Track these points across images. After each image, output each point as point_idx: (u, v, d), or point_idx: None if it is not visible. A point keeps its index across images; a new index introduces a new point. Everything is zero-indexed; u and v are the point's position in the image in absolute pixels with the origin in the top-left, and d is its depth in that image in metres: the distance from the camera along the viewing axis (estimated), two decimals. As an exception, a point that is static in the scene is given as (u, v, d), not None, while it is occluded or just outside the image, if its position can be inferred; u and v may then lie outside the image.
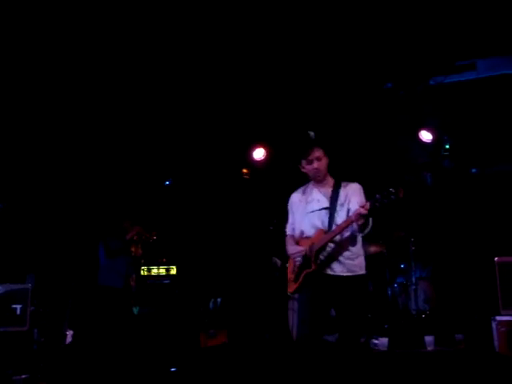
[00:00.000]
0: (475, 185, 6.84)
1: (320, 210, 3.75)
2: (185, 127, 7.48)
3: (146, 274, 7.30)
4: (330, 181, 3.86)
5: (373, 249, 6.50)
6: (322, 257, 3.63)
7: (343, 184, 3.80)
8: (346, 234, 3.63)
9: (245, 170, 7.94)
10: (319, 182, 3.83)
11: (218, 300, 7.48)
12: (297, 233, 3.89)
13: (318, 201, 3.78)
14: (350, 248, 3.66)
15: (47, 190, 7.56)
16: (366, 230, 3.59)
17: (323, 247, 3.63)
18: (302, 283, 3.67)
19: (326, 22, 5.68)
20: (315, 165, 3.77)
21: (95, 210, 7.59)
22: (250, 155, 7.74)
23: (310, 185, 3.90)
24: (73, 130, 7.21)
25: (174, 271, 7.41)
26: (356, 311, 3.59)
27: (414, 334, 5.51)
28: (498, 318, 5.02)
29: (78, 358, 6.00)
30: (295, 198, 3.97)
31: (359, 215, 3.38)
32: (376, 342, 5.47)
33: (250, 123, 7.42)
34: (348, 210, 3.65)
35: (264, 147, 7.70)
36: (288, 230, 4.02)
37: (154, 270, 7.33)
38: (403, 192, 3.21)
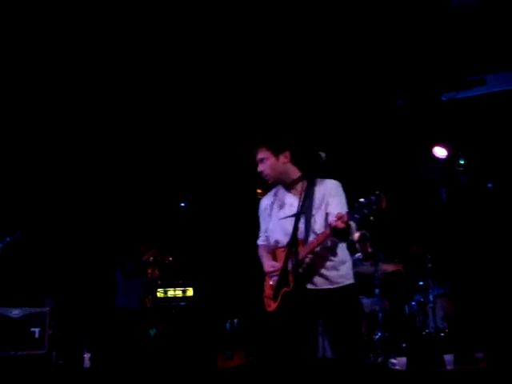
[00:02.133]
0: (491, 199, 6.76)
1: (293, 215, 3.13)
2: (200, 149, 7.56)
3: (162, 295, 7.34)
4: (300, 177, 3.29)
5: (389, 267, 6.43)
6: (300, 270, 3.09)
7: (318, 182, 3.23)
8: (327, 242, 3.13)
9: (259, 191, 7.96)
10: (285, 186, 3.29)
11: (235, 321, 7.45)
12: (271, 242, 3.34)
13: (291, 205, 3.22)
14: (332, 258, 3.18)
15: (64, 214, 7.67)
16: (351, 238, 3.13)
17: (301, 261, 3.09)
18: (282, 302, 3.13)
19: (337, 38, 5.72)
20: (258, 167, 3.29)
21: (111, 233, 7.67)
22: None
23: (280, 187, 3.35)
24: (88, 152, 7.33)
25: (190, 293, 7.43)
26: (347, 326, 3.10)
27: (432, 353, 5.39)
28: (519, 335, 4.91)
29: (96, 380, 6.02)
30: (265, 202, 3.43)
31: (336, 229, 2.88)
32: (394, 361, 5.37)
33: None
34: (326, 214, 3.14)
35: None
36: (260, 240, 3.52)
37: (171, 292, 7.37)
38: (385, 200, 2.72)
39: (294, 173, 3.31)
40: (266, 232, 3.45)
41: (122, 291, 6.35)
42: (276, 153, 3.26)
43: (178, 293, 7.39)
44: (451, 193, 7.23)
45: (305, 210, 3.11)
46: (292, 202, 3.24)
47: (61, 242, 7.57)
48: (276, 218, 3.30)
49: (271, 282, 3.27)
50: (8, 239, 5.68)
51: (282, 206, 3.29)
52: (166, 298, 7.34)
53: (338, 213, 2.91)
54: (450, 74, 6.27)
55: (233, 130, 7.27)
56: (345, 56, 5.99)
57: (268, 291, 3.30)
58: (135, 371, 6.01)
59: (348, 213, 2.86)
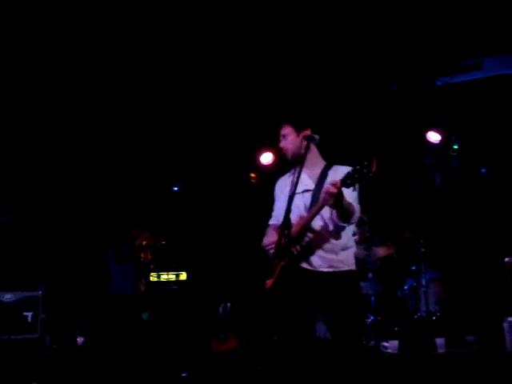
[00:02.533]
0: (485, 185, 6.78)
1: (302, 192, 3.24)
2: (192, 132, 7.51)
3: (155, 279, 7.34)
4: (321, 163, 3.38)
5: (382, 251, 6.47)
6: (298, 248, 3.13)
7: (334, 167, 3.30)
8: (329, 223, 3.16)
9: (252, 175, 7.95)
10: (304, 164, 3.27)
11: (228, 305, 7.48)
12: (280, 220, 3.26)
13: (302, 183, 3.26)
14: (332, 240, 3.18)
15: (56, 198, 7.63)
16: (352, 220, 3.13)
17: (300, 236, 3.13)
18: (278, 278, 3.13)
19: (330, 24, 5.68)
20: (281, 143, 3.39)
21: (104, 216, 7.64)
22: (258, 159, 7.76)
23: (297, 167, 3.34)
24: (81, 136, 7.27)
25: (183, 277, 7.44)
26: (342, 312, 3.11)
27: (424, 337, 5.45)
28: (510, 319, 4.96)
29: (89, 364, 6.03)
30: (280, 182, 3.51)
31: (328, 194, 2.89)
32: (386, 344, 5.42)
33: (257, 127, 7.43)
34: None
35: (272, 151, 7.72)
36: (271, 220, 3.53)
37: (164, 276, 7.36)
38: (376, 164, 2.73)
39: (313, 153, 3.38)
40: (276, 211, 3.48)
41: (115, 276, 6.34)
42: (297, 129, 3.34)
43: (172, 277, 7.38)
44: (445, 178, 7.24)
45: (316, 190, 3.19)
46: (304, 181, 3.28)
47: (54, 226, 7.53)
48: (288, 195, 3.25)
49: (270, 255, 3.27)
50: (10, 216, 5.55)
51: (294, 184, 3.25)
52: (159, 282, 7.34)
53: (332, 180, 2.96)
54: (445, 58, 6.23)
55: (225, 113, 7.23)
56: (339, 40, 5.94)
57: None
58: (128, 355, 6.03)
59: (341, 180, 2.88)
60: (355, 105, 7.06)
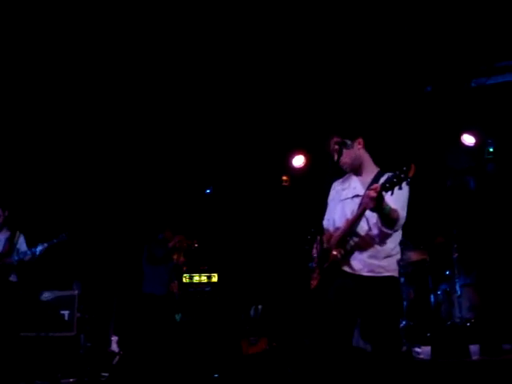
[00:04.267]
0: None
1: (352, 197, 3.33)
2: (226, 135, 7.58)
3: (187, 281, 7.42)
4: (373, 169, 3.41)
5: (415, 256, 6.39)
6: (342, 251, 3.22)
7: (387, 174, 3.24)
8: (373, 228, 3.20)
9: (284, 178, 7.97)
10: (356, 172, 3.41)
11: (259, 307, 7.50)
12: (331, 223, 3.43)
13: (354, 188, 3.36)
14: (376, 246, 3.22)
15: (94, 200, 7.80)
16: (396, 227, 3.16)
17: (344, 240, 3.21)
18: (321, 279, 3.26)
19: (365, 26, 5.66)
20: (335, 157, 3.36)
21: (138, 218, 7.78)
22: (290, 162, 7.78)
23: (352, 173, 3.47)
24: (116, 139, 7.43)
25: (215, 279, 7.50)
26: (383, 318, 3.15)
27: (458, 343, 5.35)
28: (547, 326, 4.84)
29: (123, 363, 6.15)
30: (333, 186, 3.55)
31: (368, 197, 2.98)
32: (418, 350, 5.36)
33: (290, 130, 7.45)
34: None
35: (304, 154, 7.72)
36: (323, 224, 3.53)
37: (196, 278, 7.44)
38: (414, 170, 2.82)
39: (367, 159, 3.44)
40: (327, 215, 3.51)
41: (148, 277, 6.45)
42: (353, 141, 3.38)
43: (203, 278, 7.45)
44: (479, 181, 7.09)
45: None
46: (356, 186, 3.37)
47: (90, 227, 7.70)
48: (338, 199, 3.42)
49: (315, 257, 3.38)
50: (55, 241, 5.65)
51: (345, 189, 3.41)
52: (192, 284, 7.42)
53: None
54: (480, 60, 6.13)
55: (257, 116, 7.27)
56: (374, 42, 5.91)
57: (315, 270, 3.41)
58: (161, 355, 6.12)
59: (381, 184, 2.98)
60: (389, 107, 7.01)
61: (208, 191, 8.22)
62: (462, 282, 6.19)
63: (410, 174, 2.83)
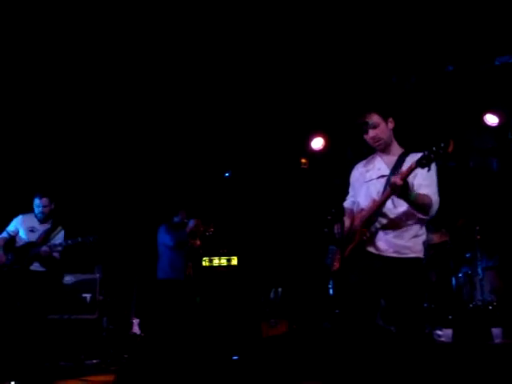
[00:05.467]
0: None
1: (378, 178, 3.33)
2: (244, 118, 7.55)
3: (207, 264, 7.46)
4: (398, 150, 3.40)
5: (436, 238, 6.32)
6: (367, 233, 3.22)
7: (412, 154, 3.27)
8: (401, 209, 3.19)
9: (303, 160, 7.91)
10: (383, 150, 3.39)
11: (279, 290, 7.52)
12: (355, 206, 3.44)
13: (379, 169, 3.36)
14: (402, 226, 3.20)
15: (114, 187, 7.86)
16: (431, 212, 3.13)
17: (370, 221, 3.21)
18: (346, 260, 3.24)
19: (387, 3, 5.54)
20: (370, 133, 3.34)
21: (158, 202, 7.82)
22: (309, 145, 7.72)
23: (375, 154, 3.47)
24: (134, 124, 7.45)
25: (234, 262, 7.52)
26: (407, 299, 3.14)
27: (480, 326, 5.31)
28: None
29: (144, 345, 6.23)
30: (356, 168, 3.55)
31: (393, 184, 2.97)
32: (440, 333, 5.31)
33: (309, 113, 7.38)
34: (412, 185, 3.12)
35: (323, 137, 7.66)
36: (345, 203, 3.56)
37: (216, 261, 7.47)
38: (453, 145, 2.77)
39: (393, 139, 3.43)
40: (352, 197, 3.54)
41: (165, 262, 6.48)
42: (385, 118, 3.36)
43: (223, 261, 7.49)
44: (502, 162, 6.95)
45: (390, 174, 3.23)
46: (380, 166, 3.37)
47: (111, 213, 7.78)
48: (363, 181, 3.42)
49: (340, 238, 3.33)
50: (79, 239, 5.41)
51: (370, 170, 3.41)
52: (211, 267, 7.46)
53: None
54: (503, 37, 5.96)
55: (276, 99, 7.21)
56: (393, 18, 5.78)
57: (338, 252, 3.39)
58: (181, 338, 6.19)
59: (416, 160, 2.94)
60: (410, 88, 6.89)
61: (227, 174, 8.21)
62: (484, 265, 6.11)
63: (450, 150, 2.78)
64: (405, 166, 3.16)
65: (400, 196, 3.05)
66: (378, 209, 3.20)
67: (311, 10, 5.59)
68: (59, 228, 5.59)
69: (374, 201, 3.24)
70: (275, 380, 5.12)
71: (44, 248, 5.29)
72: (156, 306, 6.44)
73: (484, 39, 6.09)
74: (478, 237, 6.12)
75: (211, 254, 7.48)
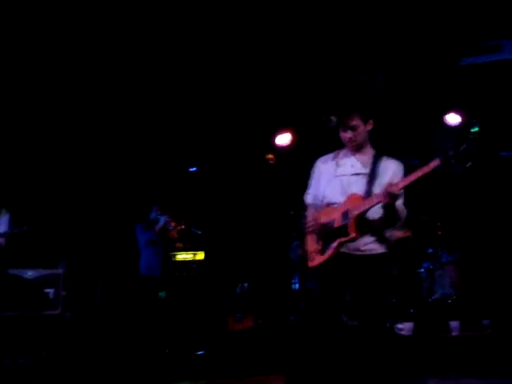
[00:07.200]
0: (504, 168, 6.67)
1: (353, 175, 3.34)
2: (211, 113, 7.53)
3: (174, 259, 7.43)
4: (370, 150, 3.43)
5: (399, 233, 6.46)
6: (357, 234, 3.20)
7: (384, 158, 3.36)
8: (377, 215, 3.23)
9: (270, 156, 7.95)
10: (356, 150, 3.39)
11: (245, 285, 7.55)
12: (320, 199, 3.43)
13: (352, 166, 3.36)
14: (375, 230, 3.26)
15: (79, 179, 7.74)
16: (397, 225, 3.27)
17: (363, 215, 3.20)
18: (333, 255, 3.23)
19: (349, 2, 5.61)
20: (348, 134, 3.34)
21: (124, 197, 7.75)
22: (276, 140, 7.76)
23: (345, 150, 3.45)
24: (102, 119, 7.34)
25: (201, 256, 7.51)
26: (373, 294, 3.20)
27: (439, 319, 5.47)
28: (525, 303, 4.95)
29: (108, 340, 6.17)
30: (323, 160, 3.52)
31: (387, 193, 3.02)
32: (401, 326, 5.45)
33: (276, 108, 7.41)
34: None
35: (290, 132, 7.70)
36: (307, 199, 3.56)
37: (182, 256, 7.44)
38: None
39: (367, 143, 3.44)
40: (315, 190, 3.52)
41: (142, 260, 6.49)
42: (366, 121, 3.37)
43: (189, 256, 7.46)
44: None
45: (371, 177, 3.28)
46: (353, 164, 3.38)
47: (75, 207, 7.66)
48: (333, 174, 3.40)
49: (315, 238, 3.36)
50: (25, 228, 5.42)
51: (342, 165, 3.40)
52: (177, 262, 7.43)
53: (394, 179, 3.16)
54: (466, 39, 6.12)
55: (243, 94, 7.21)
56: (356, 18, 5.86)
57: (313, 247, 3.38)
58: (146, 333, 6.16)
59: (442, 158, 3.00)
60: (374, 86, 6.99)
61: (193, 169, 8.19)
62: (444, 260, 6.29)
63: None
64: (381, 168, 3.28)
65: (386, 205, 3.12)
66: (367, 210, 3.21)
67: (279, 7, 5.61)
68: (3, 211, 5.48)
69: (359, 196, 3.25)
70: (240, 374, 5.16)
71: None
72: (122, 300, 6.41)
73: (446, 42, 6.24)
74: (440, 233, 6.29)
75: (177, 249, 7.45)
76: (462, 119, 6.74)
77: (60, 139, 7.40)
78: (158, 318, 6.42)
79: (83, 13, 5.36)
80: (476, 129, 6.65)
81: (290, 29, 5.99)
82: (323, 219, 3.36)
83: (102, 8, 5.34)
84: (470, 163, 2.87)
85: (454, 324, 5.26)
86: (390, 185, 3.05)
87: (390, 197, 3.04)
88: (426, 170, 3.03)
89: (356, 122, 3.33)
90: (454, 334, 5.23)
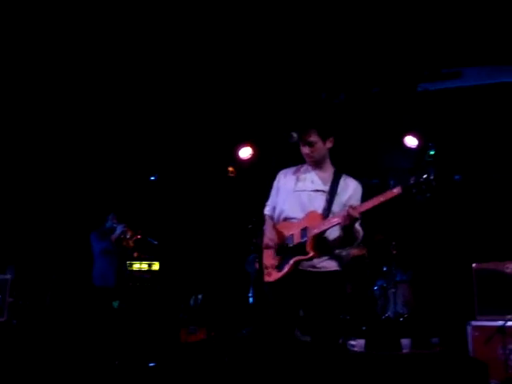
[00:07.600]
0: (457, 191, 6.90)
1: (313, 191, 3.37)
2: (172, 124, 7.48)
3: (129, 268, 7.29)
4: (330, 167, 3.48)
5: (354, 251, 6.55)
6: (316, 254, 3.24)
7: (344, 177, 3.42)
8: (335, 234, 3.30)
9: (230, 169, 7.96)
10: (315, 165, 3.44)
11: (199, 297, 7.49)
12: (276, 213, 3.49)
13: (312, 182, 3.40)
14: (331, 249, 3.35)
15: (31, 182, 7.53)
16: (354, 245, 3.40)
17: (321, 234, 3.24)
18: (290, 272, 3.25)
19: (316, 24, 5.71)
20: (307, 149, 3.38)
21: (79, 204, 7.58)
22: (237, 154, 7.77)
23: (306, 165, 3.49)
24: (60, 123, 7.18)
25: (156, 267, 7.41)
26: (325, 310, 3.26)
27: (390, 337, 5.56)
28: (473, 322, 5.09)
29: (58, 349, 5.98)
30: (284, 173, 3.56)
31: (348, 216, 3.07)
32: (353, 343, 5.52)
33: (237, 122, 7.44)
34: (343, 205, 3.28)
35: (251, 146, 7.74)
36: (266, 210, 3.62)
37: (136, 266, 7.32)
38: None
39: (327, 161, 3.48)
40: (274, 203, 3.55)
41: (96, 269, 6.35)
42: (324, 138, 3.38)
43: (144, 266, 7.34)
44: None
45: (331, 194, 3.33)
46: (314, 180, 3.41)
47: (25, 211, 7.43)
48: (292, 189, 3.42)
49: (272, 253, 3.37)
50: None
51: (302, 180, 3.42)
52: (131, 271, 7.29)
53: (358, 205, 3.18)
54: (426, 65, 6.33)
55: (205, 106, 7.21)
56: (323, 39, 5.97)
57: (270, 261, 3.39)
58: (97, 343, 6.00)
59: (404, 187, 3.04)
60: (335, 106, 7.12)
61: (153, 178, 8.10)
62: (398, 279, 6.41)
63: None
64: (341, 187, 3.34)
65: (346, 227, 3.15)
66: (326, 230, 3.24)
67: (243, 21, 5.64)
68: None
69: (319, 213, 3.27)
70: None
71: None
72: (73, 309, 6.24)
73: (409, 66, 6.44)
74: (394, 252, 6.41)
75: (132, 258, 7.32)
76: (419, 142, 6.93)
77: (14, 141, 7.19)
78: (109, 328, 6.27)
79: (78, 14, 5.28)
80: (432, 152, 6.87)
81: (254, 44, 6.04)
82: (281, 234, 3.38)
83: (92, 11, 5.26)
84: (429, 194, 2.94)
85: (405, 341, 5.36)
86: (352, 208, 3.08)
87: (349, 220, 3.08)
88: (388, 195, 3.09)
89: (313, 138, 3.36)
90: (405, 351, 5.32)
